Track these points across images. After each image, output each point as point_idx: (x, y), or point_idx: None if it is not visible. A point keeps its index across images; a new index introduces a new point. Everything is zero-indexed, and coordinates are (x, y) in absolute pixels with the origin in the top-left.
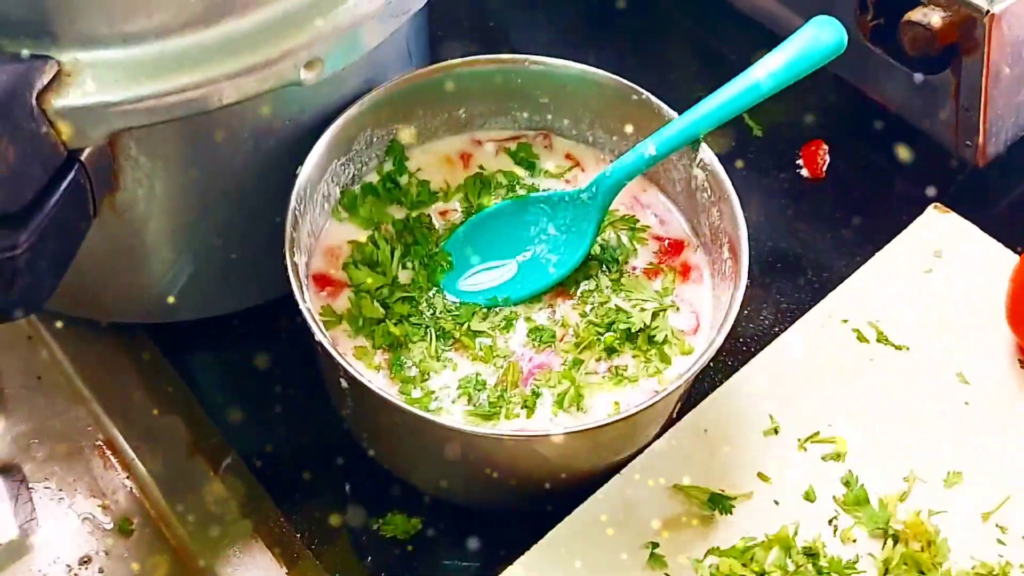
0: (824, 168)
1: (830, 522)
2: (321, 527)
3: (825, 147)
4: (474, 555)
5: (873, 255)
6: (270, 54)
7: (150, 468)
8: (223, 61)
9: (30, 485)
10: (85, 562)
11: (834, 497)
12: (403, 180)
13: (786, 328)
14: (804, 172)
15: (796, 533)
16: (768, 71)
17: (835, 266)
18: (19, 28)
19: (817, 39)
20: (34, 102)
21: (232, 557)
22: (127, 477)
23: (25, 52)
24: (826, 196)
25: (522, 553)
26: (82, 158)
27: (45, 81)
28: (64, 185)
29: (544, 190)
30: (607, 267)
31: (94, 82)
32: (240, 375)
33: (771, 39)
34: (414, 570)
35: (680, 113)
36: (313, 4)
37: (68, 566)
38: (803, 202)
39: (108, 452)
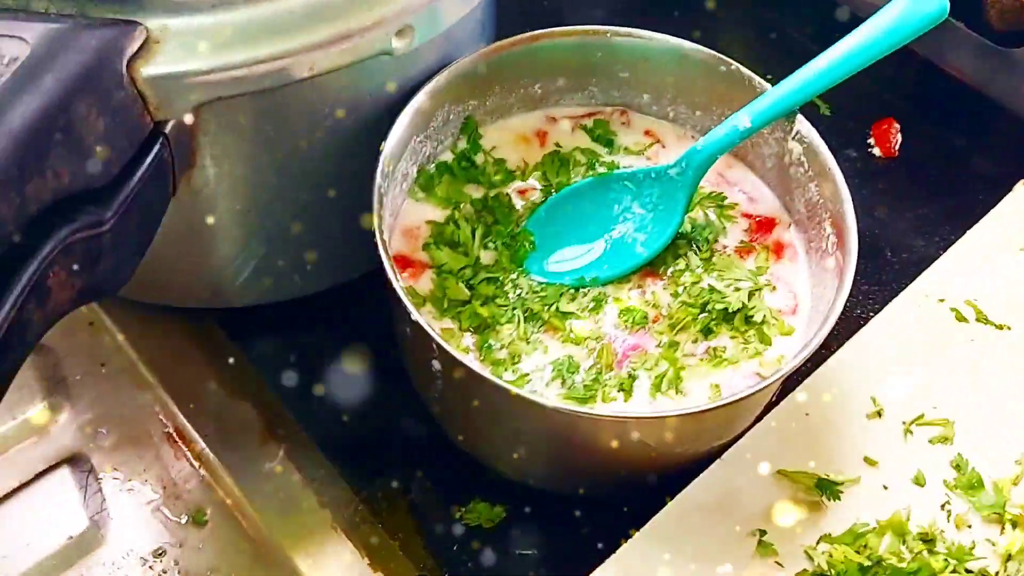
0: (897, 147)
1: (943, 507)
2: (402, 516)
3: (897, 125)
4: (564, 547)
5: (952, 235)
6: (363, 22)
7: (222, 456)
8: (315, 28)
9: (99, 475)
10: (159, 554)
11: (944, 481)
12: (478, 159)
13: (869, 309)
14: (876, 151)
15: (909, 518)
16: (874, 32)
17: (914, 247)
18: None
19: (921, 2)
20: (124, 69)
21: (312, 548)
22: (199, 466)
23: (111, 16)
24: (900, 175)
25: (618, 544)
26: (167, 131)
27: (135, 48)
28: (149, 159)
29: (625, 167)
30: (697, 246)
31: (183, 49)
32: (311, 361)
33: (833, 18)
34: (499, 561)
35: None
36: None
37: (142, 559)
38: (877, 182)
39: (178, 440)
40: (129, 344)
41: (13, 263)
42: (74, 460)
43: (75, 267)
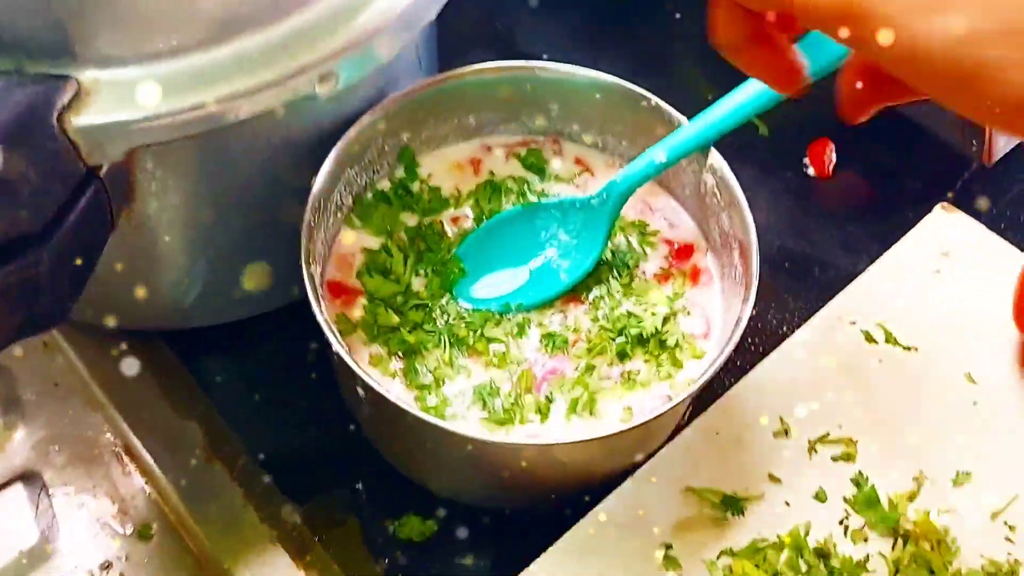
0: (831, 167)
1: (841, 522)
2: (338, 530)
3: (832, 146)
4: (489, 557)
5: (880, 253)
6: (285, 70)
7: (168, 474)
8: (238, 78)
9: (50, 491)
10: (106, 567)
11: (844, 497)
12: (415, 187)
13: (794, 327)
14: (811, 171)
15: (808, 533)
16: None
17: (843, 265)
18: (38, 48)
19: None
20: (55, 121)
21: (252, 561)
22: (146, 483)
23: (44, 72)
24: (833, 195)
25: (538, 555)
26: (101, 174)
27: (65, 100)
28: (84, 201)
29: (555, 195)
30: (618, 272)
31: (112, 100)
32: (255, 380)
33: None
34: (429, 571)
35: (690, 118)
36: (326, 19)
37: (90, 572)
38: (810, 201)
39: (126, 458)
40: (82, 364)
41: None
42: (27, 477)
43: (13, 304)
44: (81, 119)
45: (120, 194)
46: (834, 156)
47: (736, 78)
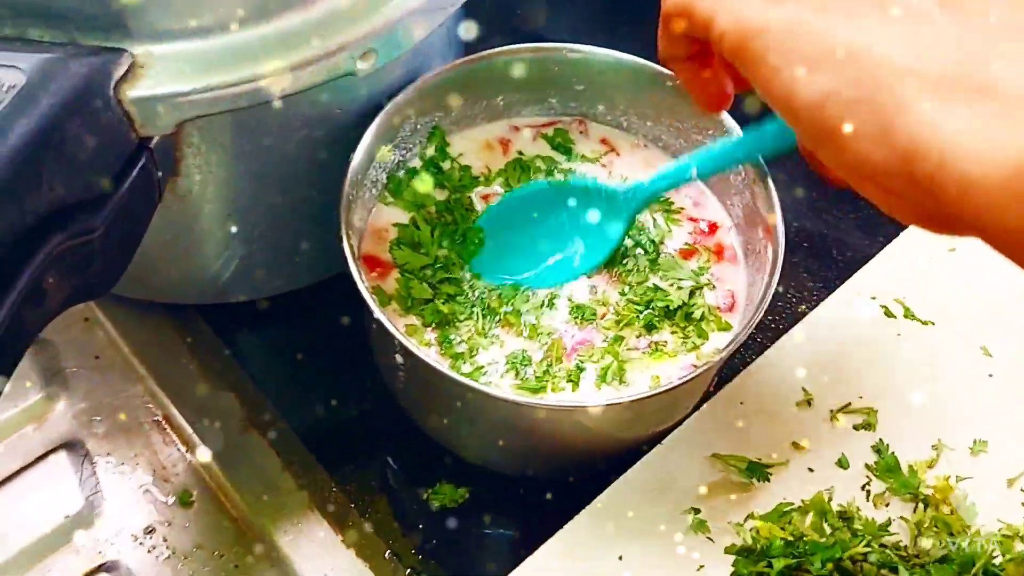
0: None
1: (863, 488)
2: (373, 497)
3: None
4: (519, 523)
5: (896, 234)
6: (327, 46)
7: (207, 443)
8: (283, 53)
9: (93, 459)
10: (149, 532)
11: (866, 464)
12: (445, 165)
13: (813, 306)
14: None
15: (831, 498)
16: None
17: (859, 245)
18: (95, 23)
19: None
20: (111, 92)
21: (290, 526)
22: (186, 451)
23: (98, 45)
24: None
25: (567, 521)
26: (151, 146)
27: (121, 72)
28: (135, 172)
29: (580, 174)
30: (644, 248)
31: (165, 73)
32: (290, 353)
33: None
34: (462, 537)
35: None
36: None
37: (133, 536)
38: (828, 185)
39: (166, 427)
40: (122, 338)
41: (11, 268)
42: (70, 445)
43: (69, 270)
44: (135, 91)
45: (167, 166)
46: None
47: None
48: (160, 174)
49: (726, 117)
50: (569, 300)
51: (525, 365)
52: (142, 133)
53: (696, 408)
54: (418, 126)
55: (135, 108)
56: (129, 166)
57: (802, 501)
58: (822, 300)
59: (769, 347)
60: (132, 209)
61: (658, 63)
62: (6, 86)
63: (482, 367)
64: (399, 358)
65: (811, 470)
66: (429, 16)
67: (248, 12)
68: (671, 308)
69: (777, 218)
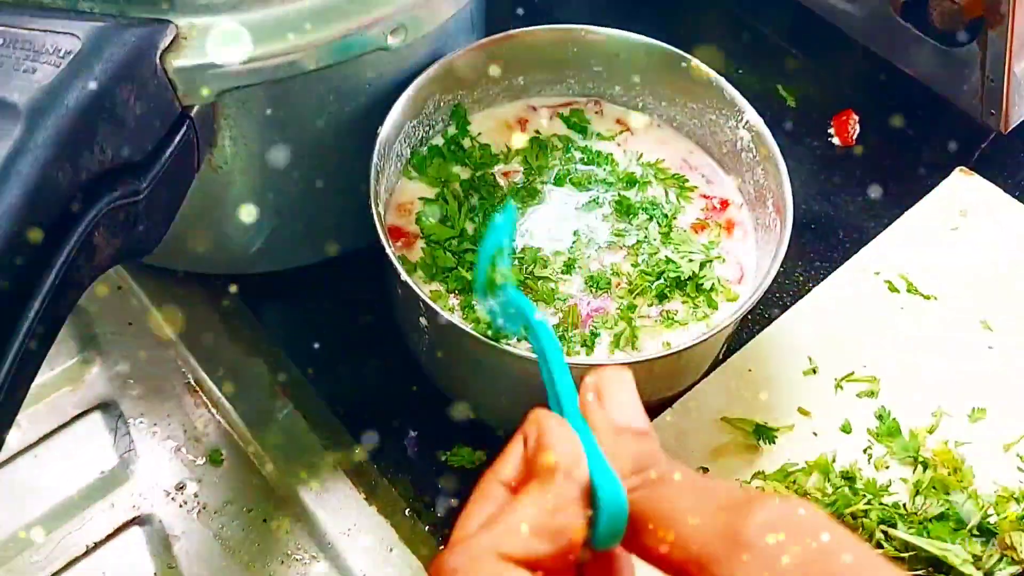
0: (854, 136)
1: (864, 451)
2: (394, 457)
3: (855, 116)
4: None
5: (898, 217)
6: (361, 21)
7: (236, 405)
8: (320, 27)
9: (127, 420)
10: (180, 488)
11: (868, 429)
12: (466, 143)
13: (820, 283)
14: (835, 140)
15: (834, 460)
16: None
17: (865, 227)
18: None
19: None
20: (157, 61)
21: (316, 483)
22: (216, 413)
23: (145, 16)
24: (856, 162)
25: None
26: (192, 115)
27: (166, 43)
28: (177, 139)
29: (596, 151)
30: (657, 221)
31: (207, 45)
32: (317, 321)
33: (805, 14)
34: None
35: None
36: None
37: (166, 491)
38: (835, 168)
39: (197, 390)
40: (154, 306)
41: (67, 222)
42: (105, 406)
43: (116, 229)
44: (179, 61)
45: (205, 137)
46: (857, 126)
47: (761, 50)
48: (200, 144)
49: (739, 98)
50: (583, 269)
51: None
52: (184, 102)
53: (706, 375)
54: (441, 103)
55: (178, 77)
56: (172, 133)
57: (806, 462)
58: (825, 277)
59: (776, 318)
60: (174, 175)
61: (688, 45)
62: (63, 51)
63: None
64: (423, 321)
65: (815, 434)
66: None
67: None
68: (682, 279)
69: (787, 194)
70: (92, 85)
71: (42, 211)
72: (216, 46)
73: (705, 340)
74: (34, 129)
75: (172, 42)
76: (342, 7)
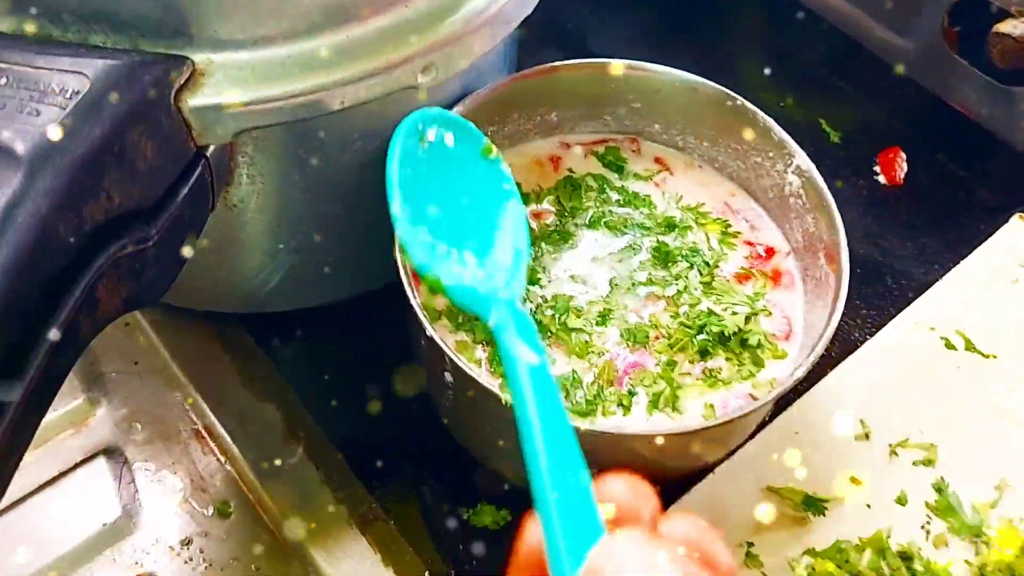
0: (902, 175)
1: (923, 527)
2: (412, 514)
3: (903, 154)
4: None
5: (952, 263)
6: (390, 60)
7: (246, 453)
8: (346, 65)
9: (132, 467)
10: (186, 543)
11: (926, 502)
12: None
13: (867, 334)
14: (881, 179)
15: (890, 536)
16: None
17: (915, 274)
18: (159, 29)
19: None
20: (172, 101)
21: (328, 541)
22: (225, 462)
23: (160, 51)
24: (904, 203)
25: None
26: (208, 154)
27: (182, 81)
28: (192, 180)
29: (633, 193)
30: (699, 270)
31: (225, 82)
32: (333, 365)
33: (852, 46)
34: (503, 561)
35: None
36: (431, 12)
37: (171, 547)
38: (881, 209)
39: (205, 436)
40: (162, 345)
41: (68, 276)
42: (109, 452)
43: (122, 279)
44: (195, 100)
45: (221, 176)
46: (905, 164)
47: (803, 82)
48: (215, 184)
49: (789, 140)
50: (620, 320)
51: (576, 387)
52: (200, 142)
53: (750, 438)
54: None
55: (194, 117)
56: (186, 175)
57: (860, 538)
58: (876, 328)
59: (823, 376)
60: (186, 218)
61: (727, 74)
62: (70, 91)
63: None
64: (448, 376)
65: (869, 506)
66: (492, 30)
67: (312, 22)
68: (726, 334)
69: (842, 247)
70: (100, 129)
71: (41, 267)
72: (235, 84)
73: (756, 409)
74: (35, 178)
75: (188, 79)
76: (371, 44)
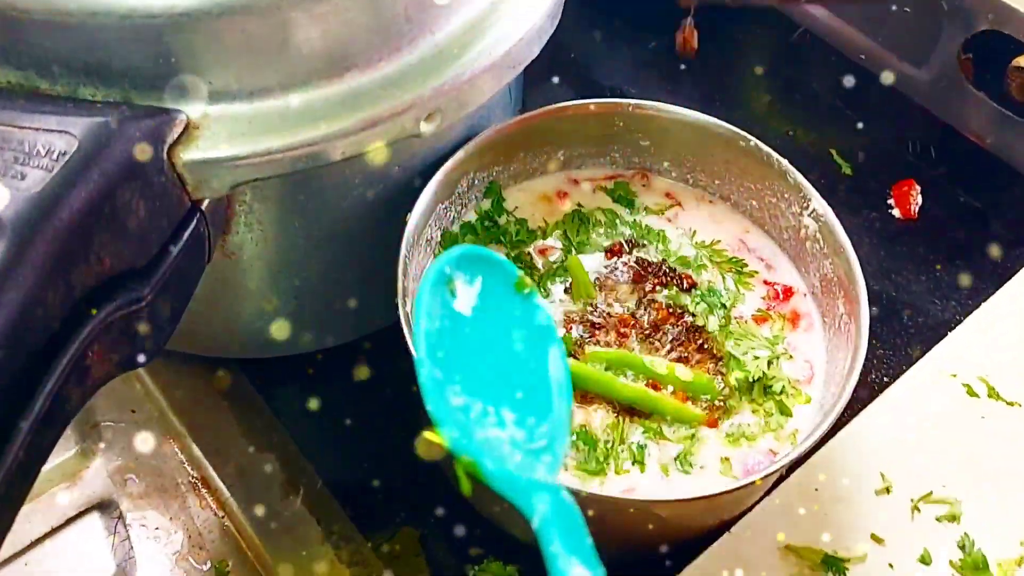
0: (916, 208)
1: None
2: (417, 572)
3: (917, 187)
4: None
5: (968, 299)
6: (393, 108)
7: (244, 508)
8: (346, 115)
9: (127, 522)
10: None
11: (951, 561)
12: (501, 219)
13: (883, 374)
14: (895, 212)
15: None
16: None
17: (931, 310)
18: (151, 82)
19: None
20: (165, 156)
21: None
22: (222, 516)
23: (153, 104)
24: (919, 238)
25: None
26: (203, 208)
27: (176, 135)
28: (186, 235)
29: (645, 226)
30: (716, 311)
31: (221, 135)
32: (334, 412)
33: (864, 75)
34: None
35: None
36: (434, 58)
37: None
38: (896, 244)
39: (203, 490)
40: (159, 392)
41: (55, 346)
42: (103, 506)
43: (115, 342)
44: (189, 154)
45: (217, 226)
46: (920, 197)
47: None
48: (211, 235)
49: (804, 183)
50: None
51: (589, 445)
52: (195, 196)
53: (767, 493)
54: (475, 181)
55: (188, 172)
56: (180, 230)
57: None
58: (894, 367)
59: (843, 425)
60: (181, 273)
61: (728, 121)
62: (56, 152)
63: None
64: None
65: (891, 566)
66: (498, 74)
67: (311, 71)
68: (749, 380)
69: (860, 290)
70: (88, 192)
71: (27, 339)
72: (231, 137)
73: (775, 470)
74: (20, 246)
75: (182, 133)
76: (372, 92)
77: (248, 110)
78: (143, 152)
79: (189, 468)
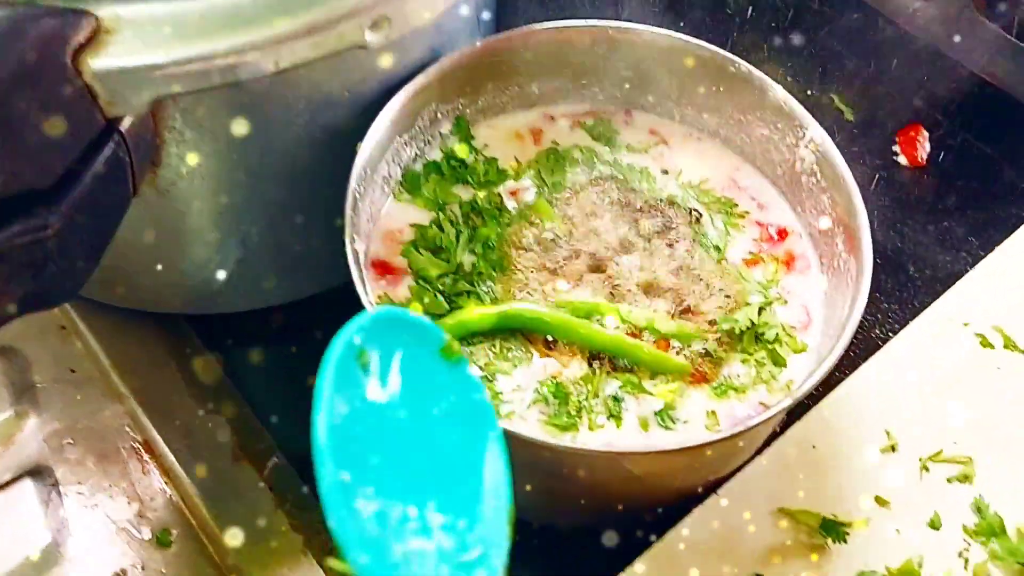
0: (924, 155)
1: (960, 554)
2: None
3: (924, 132)
4: None
5: (980, 249)
6: (333, 11)
7: (191, 474)
8: (281, 19)
9: (62, 490)
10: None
11: (963, 526)
12: (469, 158)
13: (887, 329)
14: (902, 159)
15: (922, 566)
16: None
17: (939, 262)
18: None
19: None
20: (69, 61)
21: (280, 572)
22: (166, 483)
23: (59, 4)
24: (926, 186)
25: None
26: (122, 128)
27: (82, 38)
28: (101, 158)
29: (628, 165)
30: (709, 252)
31: (136, 41)
32: (290, 371)
33: (868, 12)
34: None
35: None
36: None
37: None
38: (902, 192)
39: (146, 455)
40: (101, 350)
41: None
42: (37, 472)
43: (17, 273)
44: (100, 61)
45: (143, 155)
46: (927, 143)
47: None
48: (135, 163)
49: (800, 111)
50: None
51: (559, 398)
52: (109, 113)
53: (759, 452)
54: (439, 115)
55: (99, 83)
56: (93, 152)
57: (887, 569)
58: (899, 324)
59: (843, 379)
60: (97, 202)
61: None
62: None
63: (501, 394)
64: None
65: (897, 531)
66: None
67: None
68: (737, 331)
69: (863, 229)
70: None
71: None
72: (148, 43)
73: (763, 422)
74: None
75: (90, 38)
76: None
77: (167, 12)
78: (42, 54)
79: (132, 432)
